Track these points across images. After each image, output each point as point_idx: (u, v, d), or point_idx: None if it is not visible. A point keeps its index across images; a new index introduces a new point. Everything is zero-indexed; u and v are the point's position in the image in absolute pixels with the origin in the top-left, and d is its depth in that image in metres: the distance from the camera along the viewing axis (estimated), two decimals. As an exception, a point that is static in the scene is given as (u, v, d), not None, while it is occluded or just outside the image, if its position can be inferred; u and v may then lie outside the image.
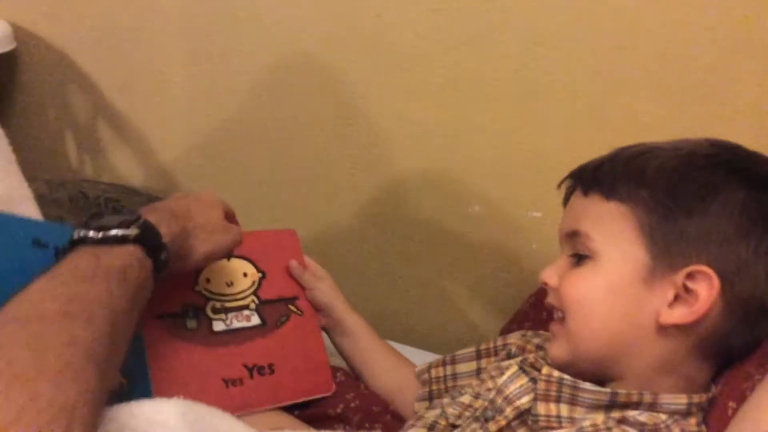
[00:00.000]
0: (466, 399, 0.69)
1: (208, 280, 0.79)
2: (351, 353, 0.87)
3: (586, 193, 0.64)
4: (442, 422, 0.69)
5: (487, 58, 0.99)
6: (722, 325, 0.58)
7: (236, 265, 0.83)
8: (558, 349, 0.63)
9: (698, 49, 0.88)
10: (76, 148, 1.38)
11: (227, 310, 0.79)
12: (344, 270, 0.98)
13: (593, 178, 0.64)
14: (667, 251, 0.59)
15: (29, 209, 0.71)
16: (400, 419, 0.82)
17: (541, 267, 0.67)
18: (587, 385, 0.60)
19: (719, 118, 0.89)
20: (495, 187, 1.06)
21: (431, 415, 0.71)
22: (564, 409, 0.60)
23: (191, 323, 0.75)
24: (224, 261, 0.81)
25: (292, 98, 1.16)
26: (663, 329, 0.59)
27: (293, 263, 0.86)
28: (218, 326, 0.77)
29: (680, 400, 0.58)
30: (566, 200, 0.69)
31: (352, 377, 0.87)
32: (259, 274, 0.84)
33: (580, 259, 0.63)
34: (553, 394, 0.60)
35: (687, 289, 0.58)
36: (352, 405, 0.81)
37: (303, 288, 0.86)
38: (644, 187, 0.60)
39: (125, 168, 1.35)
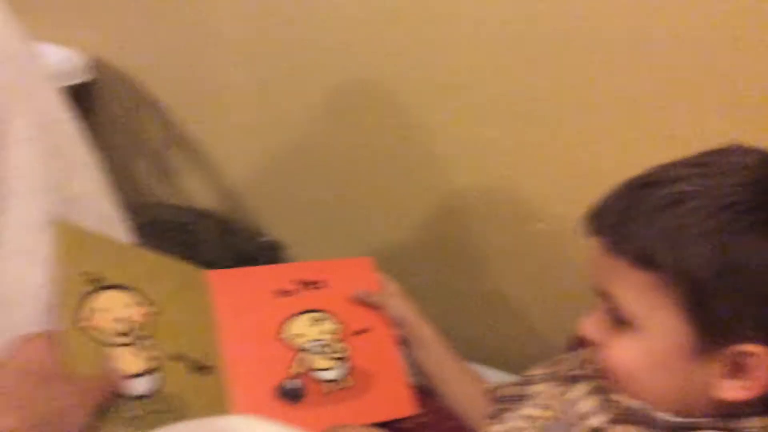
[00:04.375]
0: (535, 411, 0.69)
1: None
2: (424, 365, 0.86)
3: (609, 250, 0.58)
4: None
5: (549, 75, 1.00)
6: None
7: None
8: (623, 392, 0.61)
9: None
10: (150, 172, 1.44)
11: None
12: (408, 289, 0.99)
13: (616, 236, 0.58)
14: (712, 327, 0.54)
15: (125, 230, 0.75)
16: (472, 437, 0.82)
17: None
18: (659, 414, 0.58)
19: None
20: (560, 204, 1.06)
21: (497, 429, 0.71)
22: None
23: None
24: None
25: (354, 121, 1.19)
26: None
27: (356, 292, 0.85)
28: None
29: (756, 423, 0.56)
30: (589, 237, 0.63)
31: (424, 391, 0.87)
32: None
33: (619, 321, 0.59)
34: (630, 417, 0.60)
35: (738, 365, 0.54)
36: (425, 420, 0.81)
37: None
38: (686, 257, 0.53)
39: (196, 191, 1.40)
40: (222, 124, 1.33)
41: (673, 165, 0.59)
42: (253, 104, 1.28)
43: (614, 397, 0.60)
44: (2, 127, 0.64)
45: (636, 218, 0.56)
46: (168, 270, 0.76)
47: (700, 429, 0.57)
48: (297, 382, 0.77)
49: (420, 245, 1.21)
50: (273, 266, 0.89)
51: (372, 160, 1.20)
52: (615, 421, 0.60)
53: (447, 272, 1.20)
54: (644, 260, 0.55)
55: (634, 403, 0.59)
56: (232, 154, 1.35)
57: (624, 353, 0.58)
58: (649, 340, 0.57)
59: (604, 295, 0.60)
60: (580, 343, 0.85)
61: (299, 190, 1.29)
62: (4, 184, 0.64)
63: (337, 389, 0.78)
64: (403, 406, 0.81)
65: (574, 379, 0.68)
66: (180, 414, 0.67)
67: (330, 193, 1.26)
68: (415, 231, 1.21)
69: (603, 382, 0.66)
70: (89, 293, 0.66)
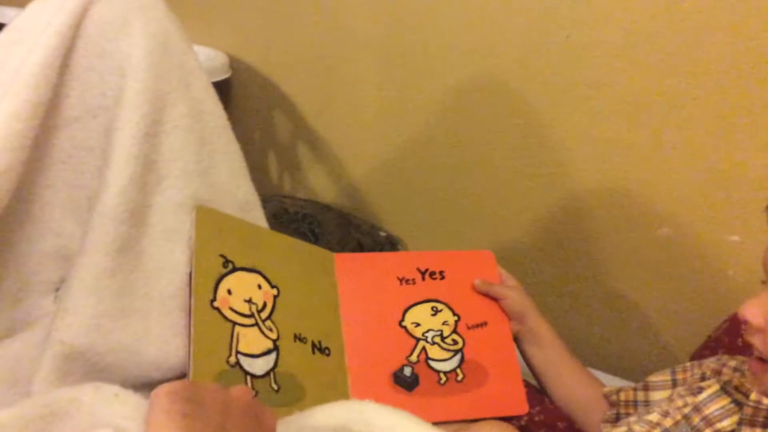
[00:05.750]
0: (654, 417, 0.68)
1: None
2: (540, 363, 0.86)
3: None
4: None
5: (682, 77, 0.97)
6: None
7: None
8: (760, 388, 0.60)
9: None
10: (278, 166, 1.51)
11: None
12: (526, 288, 0.99)
13: None
14: None
15: (259, 216, 0.80)
16: (584, 439, 0.81)
17: (737, 294, 0.64)
18: None
19: None
20: (687, 209, 1.02)
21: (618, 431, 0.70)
22: None
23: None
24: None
25: (475, 119, 1.20)
26: None
27: (477, 282, 0.86)
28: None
29: None
30: None
31: (536, 389, 0.87)
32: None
33: None
34: (761, 420, 0.58)
35: None
36: (537, 419, 0.81)
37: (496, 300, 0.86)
38: None
39: (320, 185, 1.46)
40: (347, 121, 1.37)
41: None
42: (378, 102, 1.31)
43: (755, 397, 0.58)
44: (160, 113, 0.70)
45: None
46: (297, 253, 0.80)
47: None
48: (413, 371, 0.79)
49: (539, 245, 1.20)
50: (397, 253, 0.90)
51: (493, 158, 1.20)
52: (752, 424, 0.58)
53: (565, 273, 1.18)
54: None
55: None
56: (356, 151, 1.39)
57: None
58: None
59: None
60: (714, 347, 0.83)
61: (419, 187, 1.32)
62: (159, 167, 0.70)
63: (451, 381, 0.80)
64: (515, 403, 0.81)
65: (699, 388, 0.66)
66: (298, 394, 0.70)
67: (449, 191, 1.28)
68: (535, 231, 1.20)
69: (739, 380, 0.64)
70: (224, 275, 0.71)
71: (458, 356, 0.82)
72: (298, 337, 0.74)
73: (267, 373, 0.70)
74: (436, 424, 0.74)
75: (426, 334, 0.82)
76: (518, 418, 0.82)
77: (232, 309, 0.70)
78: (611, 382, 0.88)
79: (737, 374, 0.68)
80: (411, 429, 0.56)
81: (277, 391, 0.69)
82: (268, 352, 0.71)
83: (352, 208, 1.41)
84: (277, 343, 0.72)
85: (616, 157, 1.07)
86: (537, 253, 1.20)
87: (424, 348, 0.81)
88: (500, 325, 0.85)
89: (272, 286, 0.75)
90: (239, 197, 0.79)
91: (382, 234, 1.28)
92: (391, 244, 1.25)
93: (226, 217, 0.75)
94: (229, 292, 0.70)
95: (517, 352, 0.86)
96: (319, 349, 0.75)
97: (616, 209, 1.10)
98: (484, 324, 0.85)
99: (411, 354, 0.80)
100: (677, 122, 1.00)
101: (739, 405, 0.61)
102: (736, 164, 0.97)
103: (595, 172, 1.10)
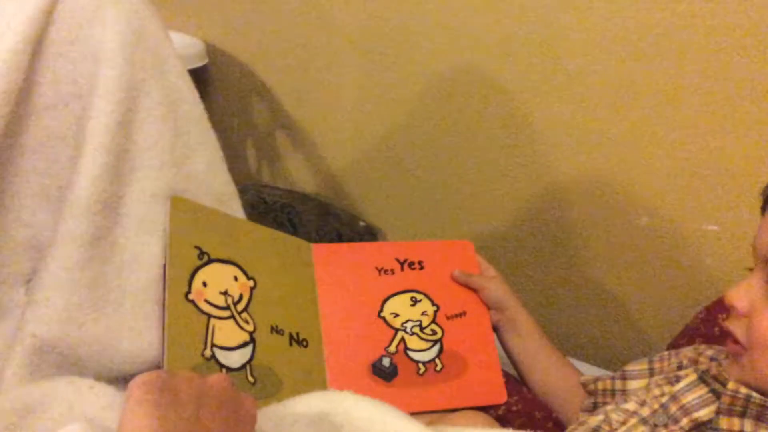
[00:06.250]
0: (631, 406, 0.68)
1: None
2: (519, 353, 0.86)
3: None
4: (606, 427, 0.68)
5: (665, 67, 0.97)
6: None
7: None
8: (738, 375, 0.60)
9: None
10: (256, 155, 1.50)
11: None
12: (506, 277, 0.99)
13: None
14: None
15: (236, 206, 0.79)
16: (562, 428, 0.81)
17: (715, 283, 0.64)
18: None
19: None
20: (666, 199, 1.03)
21: (594, 420, 0.70)
22: (748, 425, 0.58)
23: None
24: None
25: (457, 107, 1.19)
26: None
27: (456, 272, 0.86)
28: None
29: None
30: (764, 208, 0.62)
31: (515, 379, 0.87)
32: None
33: None
34: (739, 409, 0.59)
35: None
36: (514, 409, 0.81)
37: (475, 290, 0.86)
38: None
39: (299, 174, 1.45)
40: (327, 109, 1.36)
41: None
42: (357, 91, 1.31)
43: (732, 386, 0.59)
44: (134, 101, 0.68)
45: None
46: (274, 244, 0.80)
47: None
48: (392, 361, 0.79)
49: (519, 235, 1.20)
50: (376, 243, 0.90)
51: (474, 148, 1.20)
52: (729, 414, 0.59)
53: (545, 263, 1.19)
54: None
55: (756, 396, 0.58)
56: (336, 140, 1.39)
57: None
58: None
59: None
60: (691, 336, 0.83)
61: (399, 177, 1.31)
62: (133, 156, 0.69)
63: (430, 371, 0.80)
64: (494, 393, 0.81)
65: (677, 377, 0.66)
66: (275, 386, 0.70)
67: (429, 181, 1.28)
68: (515, 221, 1.20)
69: (717, 369, 0.64)
70: (199, 267, 0.70)
71: (437, 346, 0.82)
72: (275, 329, 0.73)
73: (243, 366, 0.69)
74: (414, 414, 0.75)
75: (405, 325, 0.82)
76: (496, 407, 0.82)
77: (207, 301, 0.69)
78: (590, 371, 0.88)
79: (714, 363, 0.68)
80: (388, 420, 0.56)
81: (253, 383, 0.69)
82: (244, 345, 0.70)
83: (331, 198, 1.40)
84: (254, 335, 0.71)
85: (597, 147, 1.07)
86: (517, 242, 1.21)
87: (402, 338, 0.81)
88: (479, 315, 0.85)
89: (249, 278, 0.74)
90: (216, 188, 0.78)
91: (362, 224, 1.27)
92: (370, 234, 1.25)
93: (201, 207, 0.74)
94: (205, 284, 0.70)
95: (496, 342, 0.86)
96: (297, 340, 0.75)
97: (596, 199, 1.10)
98: (463, 314, 0.85)
99: (390, 344, 0.80)
100: (657, 112, 1.00)
101: (717, 394, 0.61)
102: (715, 155, 0.97)
103: (576, 162, 1.10)
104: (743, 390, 0.59)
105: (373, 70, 1.27)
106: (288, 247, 0.81)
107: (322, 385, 0.74)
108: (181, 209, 0.71)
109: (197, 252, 0.71)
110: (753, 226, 0.62)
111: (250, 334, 0.71)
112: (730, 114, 0.94)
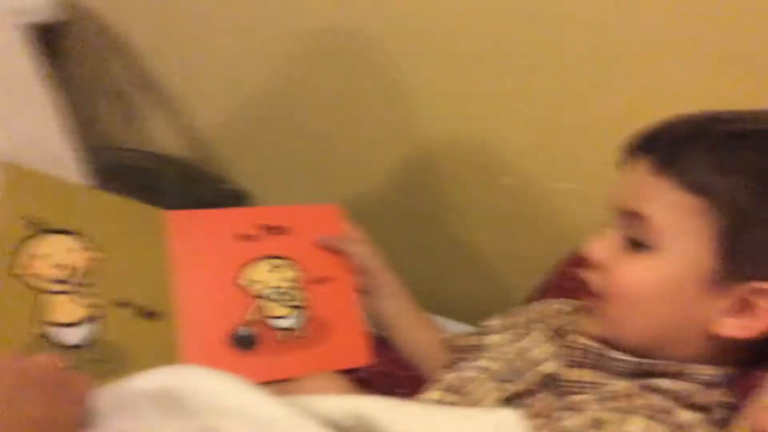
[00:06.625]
0: (482, 362, 0.69)
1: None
2: (384, 315, 0.86)
3: (658, 170, 0.58)
4: (457, 384, 0.69)
5: (528, 28, 0.98)
6: None
7: None
8: (594, 328, 0.62)
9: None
10: (115, 115, 1.41)
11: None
12: (375, 238, 0.99)
13: (671, 157, 0.57)
14: (737, 260, 0.55)
15: (77, 171, 0.73)
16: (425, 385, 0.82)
17: (572, 240, 0.65)
18: (613, 353, 0.60)
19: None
20: (527, 158, 1.05)
21: (448, 378, 0.71)
22: (588, 375, 0.60)
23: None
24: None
25: (328, 66, 1.16)
26: (711, 335, 0.57)
27: (320, 237, 0.84)
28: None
29: (708, 371, 0.58)
30: (624, 163, 0.63)
31: (383, 342, 0.87)
32: None
33: (635, 244, 0.59)
34: (579, 359, 0.61)
35: (747, 303, 0.55)
36: (378, 370, 0.82)
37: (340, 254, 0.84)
38: (738, 188, 0.55)
39: (160, 136, 1.37)
40: (191, 67, 1.30)
41: (742, 111, 0.60)
42: (227, 48, 1.25)
43: (571, 337, 0.61)
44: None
45: (696, 145, 0.57)
46: (122, 212, 0.74)
47: (654, 370, 0.58)
48: (250, 330, 0.76)
49: (388, 195, 1.20)
50: (235, 209, 0.86)
51: (343, 108, 1.18)
52: (570, 365, 0.61)
53: (413, 223, 1.19)
54: (694, 185, 0.56)
55: (592, 345, 0.60)
56: (202, 99, 1.32)
57: (636, 274, 0.58)
58: (668, 264, 0.57)
59: (631, 216, 0.59)
60: (545, 290, 0.86)
61: (268, 138, 1.28)
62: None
63: (292, 338, 0.78)
64: (358, 355, 0.81)
65: (529, 328, 0.68)
66: (122, 363, 0.66)
67: (299, 142, 1.25)
68: (384, 181, 1.20)
69: (557, 323, 0.66)
70: (28, 238, 0.65)
71: (301, 313, 0.80)
72: (122, 303, 0.69)
73: (85, 343, 0.64)
74: (277, 382, 0.73)
75: (266, 292, 0.79)
76: (360, 370, 0.82)
77: (37, 275, 0.64)
78: (459, 328, 0.89)
79: (562, 316, 0.70)
80: (234, 392, 0.54)
81: (97, 361, 0.65)
82: (85, 321, 0.65)
83: (197, 161, 1.34)
84: (96, 310, 0.66)
85: (466, 108, 1.07)
86: (387, 204, 1.21)
87: (262, 306, 0.78)
88: (344, 279, 0.84)
89: (94, 249, 0.69)
90: (51, 151, 0.71)
91: (228, 188, 1.23)
92: (237, 198, 1.21)
93: (31, 173, 0.68)
94: (36, 257, 0.64)
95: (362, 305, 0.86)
96: (148, 313, 0.71)
97: (463, 159, 1.11)
98: (327, 279, 0.83)
99: (248, 313, 0.77)
100: (521, 73, 1.01)
101: (565, 348, 0.63)
102: (574, 114, 1.00)
103: (447, 124, 1.11)
104: (581, 340, 0.61)
105: (243, 26, 1.21)
106: (138, 214, 0.76)
107: (175, 360, 0.71)
108: (7, 176, 0.65)
109: (26, 222, 0.65)
110: (610, 184, 0.64)
111: (92, 308, 0.66)
112: (592, 75, 0.96)
